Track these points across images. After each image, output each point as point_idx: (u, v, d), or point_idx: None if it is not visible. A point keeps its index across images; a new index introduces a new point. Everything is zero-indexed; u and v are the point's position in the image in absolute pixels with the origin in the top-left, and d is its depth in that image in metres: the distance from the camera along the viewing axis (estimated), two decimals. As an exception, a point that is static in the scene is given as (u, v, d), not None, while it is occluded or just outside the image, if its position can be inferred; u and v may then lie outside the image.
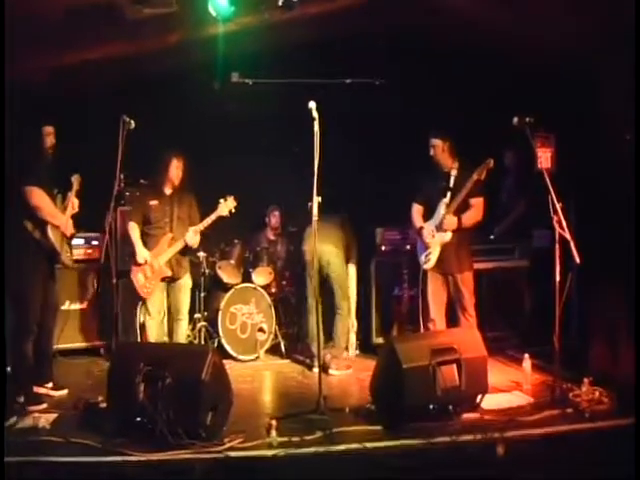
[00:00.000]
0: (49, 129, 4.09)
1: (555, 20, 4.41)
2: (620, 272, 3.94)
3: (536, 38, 4.78)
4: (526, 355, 4.09)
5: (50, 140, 4.10)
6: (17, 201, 3.82)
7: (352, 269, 5.12)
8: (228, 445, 3.10)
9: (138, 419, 3.18)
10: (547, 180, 3.77)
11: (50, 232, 3.95)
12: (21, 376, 3.89)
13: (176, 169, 4.49)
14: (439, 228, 4.32)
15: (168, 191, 4.55)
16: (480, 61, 5.23)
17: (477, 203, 4.33)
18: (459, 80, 5.40)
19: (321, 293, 4.11)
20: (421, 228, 4.46)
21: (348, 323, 4.95)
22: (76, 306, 5.31)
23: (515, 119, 3.87)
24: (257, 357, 5.18)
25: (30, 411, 3.69)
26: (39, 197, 3.86)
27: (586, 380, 3.71)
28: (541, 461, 3.05)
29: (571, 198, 4.01)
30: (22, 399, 3.81)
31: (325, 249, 4.69)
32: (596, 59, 4.47)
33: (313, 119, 3.70)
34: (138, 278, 4.44)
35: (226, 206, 4.50)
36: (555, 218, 3.76)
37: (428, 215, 4.46)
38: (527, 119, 3.84)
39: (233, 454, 3.04)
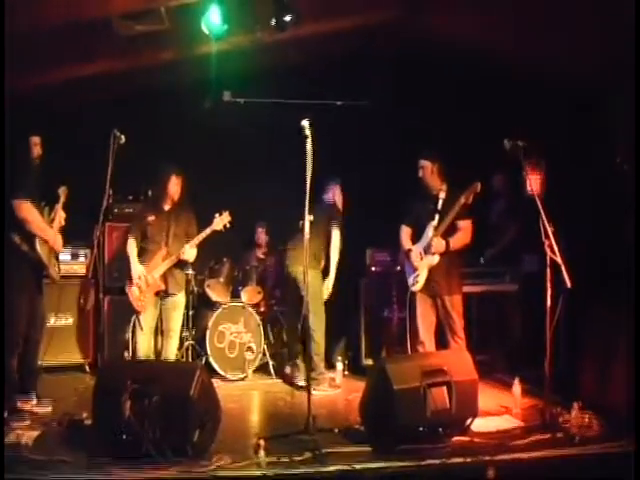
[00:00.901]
0: (36, 139, 4.03)
1: (552, 45, 4.49)
2: (611, 296, 3.97)
3: (531, 61, 4.86)
4: (516, 379, 4.08)
5: (37, 150, 4.04)
6: (4, 214, 3.77)
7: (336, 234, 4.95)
8: (216, 465, 3.04)
9: (124, 437, 3.12)
10: (538, 204, 3.80)
11: (38, 246, 3.90)
12: (5, 391, 3.81)
13: (175, 185, 4.52)
14: (427, 251, 4.33)
15: (167, 207, 4.57)
16: (472, 83, 5.32)
17: (465, 226, 4.35)
18: (450, 102, 5.47)
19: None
20: (409, 250, 4.47)
21: (322, 342, 4.84)
22: (61, 322, 5.25)
23: (506, 142, 3.91)
24: (245, 376, 5.14)
25: (13, 427, 3.60)
26: (28, 210, 3.82)
27: (576, 405, 3.70)
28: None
29: (561, 222, 4.05)
30: (5, 414, 3.73)
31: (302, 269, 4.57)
32: (593, 85, 4.55)
33: (305, 137, 3.72)
34: (133, 291, 4.43)
35: (221, 220, 4.52)
36: (546, 242, 3.78)
37: (417, 237, 4.48)
38: (519, 143, 3.89)
39: (221, 473, 2.98)
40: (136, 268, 4.43)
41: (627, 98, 3.61)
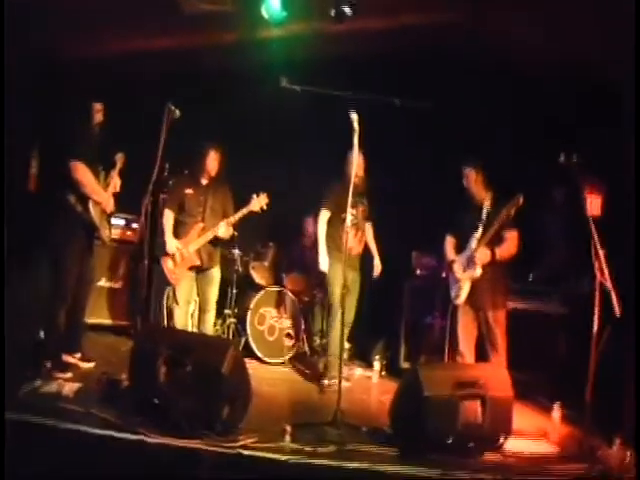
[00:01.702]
0: (98, 106, 4.13)
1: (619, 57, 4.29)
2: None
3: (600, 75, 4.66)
4: (556, 404, 3.94)
5: (99, 117, 4.14)
6: (62, 174, 3.90)
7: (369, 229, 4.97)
8: (242, 443, 3.07)
9: (156, 401, 3.19)
10: (592, 225, 3.65)
11: (91, 207, 4.02)
12: (51, 342, 3.97)
13: (213, 160, 4.55)
14: (470, 263, 4.21)
15: (204, 181, 4.61)
16: (527, 91, 5.13)
17: (511, 236, 4.20)
18: (502, 110, 5.31)
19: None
20: (452, 262, 4.37)
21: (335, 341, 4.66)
22: (111, 284, 5.42)
23: (562, 156, 3.75)
24: (282, 362, 5.17)
25: (56, 377, 3.75)
26: (83, 172, 3.94)
27: (618, 440, 3.54)
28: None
29: (618, 250, 3.88)
30: (49, 365, 3.88)
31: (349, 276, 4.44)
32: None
33: (354, 130, 3.68)
34: (167, 264, 4.50)
35: (258, 202, 4.54)
36: (597, 265, 3.63)
37: (462, 247, 4.37)
38: (574, 158, 3.73)
39: (245, 452, 3.00)
40: (171, 241, 4.48)
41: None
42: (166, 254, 4.50)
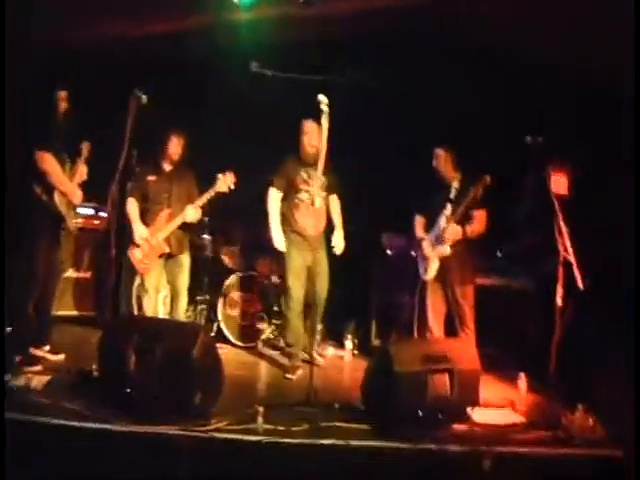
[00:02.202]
0: (63, 94, 4.06)
1: (589, 42, 4.37)
2: (625, 302, 3.90)
3: (566, 58, 4.74)
4: (522, 374, 4.06)
5: (63, 105, 4.07)
6: (28, 164, 3.86)
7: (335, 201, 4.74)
8: (214, 426, 3.09)
9: (128, 390, 3.19)
10: (556, 204, 3.75)
11: (57, 197, 3.98)
12: (20, 336, 3.92)
13: (175, 146, 4.48)
14: (438, 240, 4.29)
15: (168, 167, 4.54)
16: (502, 75, 5.19)
17: (479, 215, 4.30)
18: (471, 92, 5.35)
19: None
20: (422, 239, 4.45)
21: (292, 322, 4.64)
22: (78, 274, 5.36)
23: (528, 138, 3.84)
24: (255, 345, 5.19)
25: (24, 371, 3.71)
26: (49, 162, 3.89)
27: (580, 406, 3.67)
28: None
29: (585, 228, 3.99)
30: (18, 359, 3.84)
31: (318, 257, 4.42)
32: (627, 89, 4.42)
33: (322, 112, 3.69)
34: (135, 254, 4.44)
35: (224, 182, 4.45)
36: (560, 241, 3.74)
37: (430, 226, 4.45)
38: (540, 139, 3.81)
39: (218, 435, 3.03)
40: (139, 230, 4.42)
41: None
42: (134, 243, 4.44)
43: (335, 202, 4.70)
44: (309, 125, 4.36)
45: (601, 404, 3.77)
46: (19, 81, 4.28)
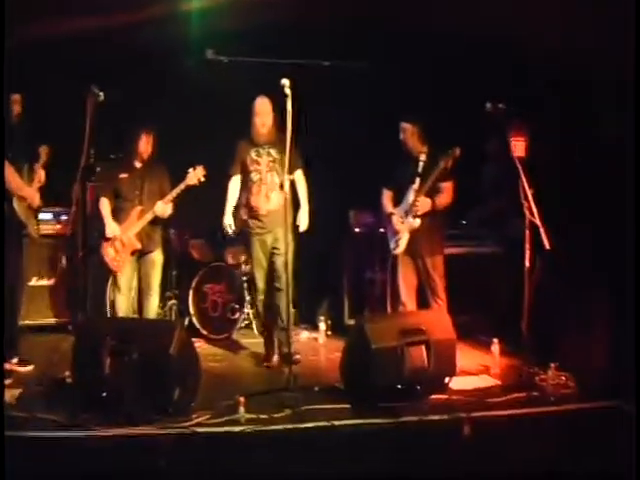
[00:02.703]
0: (16, 97, 3.96)
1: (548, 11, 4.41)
2: (593, 260, 4.02)
3: (521, 25, 4.78)
4: (495, 339, 4.15)
5: (17, 109, 3.97)
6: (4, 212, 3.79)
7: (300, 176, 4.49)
8: (196, 421, 3.09)
9: (104, 394, 3.14)
10: (519, 167, 3.81)
11: (16, 204, 3.89)
12: None
13: (145, 144, 4.42)
14: (408, 213, 4.32)
15: (138, 164, 4.48)
16: (458, 44, 5.22)
17: (447, 187, 4.34)
18: (436, 62, 5.39)
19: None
20: (391, 214, 4.46)
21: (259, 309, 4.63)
22: (44, 282, 5.24)
23: (488, 105, 3.88)
24: (228, 336, 5.17)
25: None
26: (6, 169, 3.78)
27: (552, 365, 3.76)
28: (506, 442, 3.10)
29: (545, 187, 4.06)
30: None
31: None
32: (582, 55, 4.50)
33: (285, 96, 3.65)
34: (108, 252, 4.37)
35: (195, 175, 4.40)
36: (525, 204, 3.81)
37: (398, 200, 4.46)
38: (500, 105, 3.86)
39: (200, 430, 3.02)
40: (111, 227, 4.36)
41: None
42: (106, 241, 4.37)
43: (300, 179, 4.49)
44: (260, 104, 4.26)
45: (572, 360, 3.89)
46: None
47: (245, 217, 4.47)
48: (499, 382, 3.87)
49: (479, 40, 5.10)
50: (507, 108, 3.90)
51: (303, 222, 4.39)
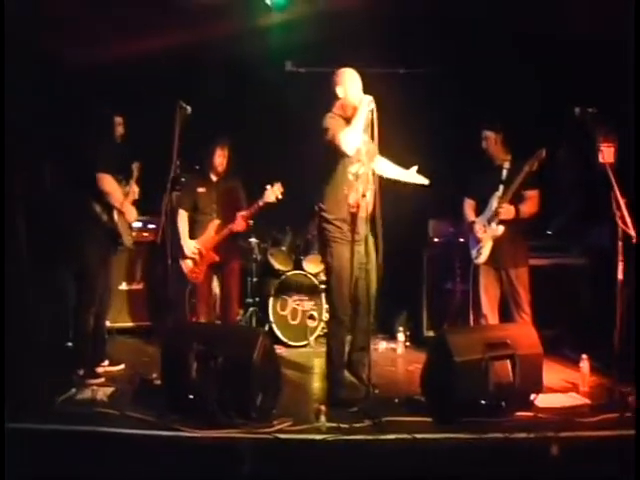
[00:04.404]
0: (119, 119, 4.26)
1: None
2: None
3: (603, 29, 4.59)
4: (584, 356, 3.95)
5: (120, 130, 4.27)
6: (88, 185, 4.04)
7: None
8: (277, 427, 3.13)
9: (190, 397, 3.24)
10: (610, 175, 3.63)
11: (116, 216, 4.17)
12: (82, 350, 4.07)
13: (219, 157, 4.60)
14: (490, 222, 4.23)
15: (214, 178, 4.66)
16: (538, 50, 5.07)
17: (532, 195, 4.23)
18: (515, 70, 5.25)
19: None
20: (472, 222, 4.38)
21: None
22: (133, 287, 5.49)
23: (577, 110, 3.75)
24: (307, 344, 5.22)
25: (89, 384, 3.82)
26: (110, 184, 4.08)
27: (648, 385, 3.56)
28: (595, 465, 2.95)
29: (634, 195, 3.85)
30: (82, 372, 3.98)
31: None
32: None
33: (371, 111, 3.61)
34: (187, 264, 4.56)
35: (273, 192, 4.52)
36: (618, 214, 3.62)
37: (480, 209, 4.38)
38: (589, 110, 3.71)
39: (282, 436, 3.06)
40: (187, 245, 4.55)
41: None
42: (183, 255, 4.56)
43: (380, 161, 3.92)
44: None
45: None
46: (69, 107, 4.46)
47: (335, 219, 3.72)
48: (588, 401, 3.69)
49: (565, 42, 4.93)
50: (597, 113, 3.74)
51: (420, 178, 4.00)
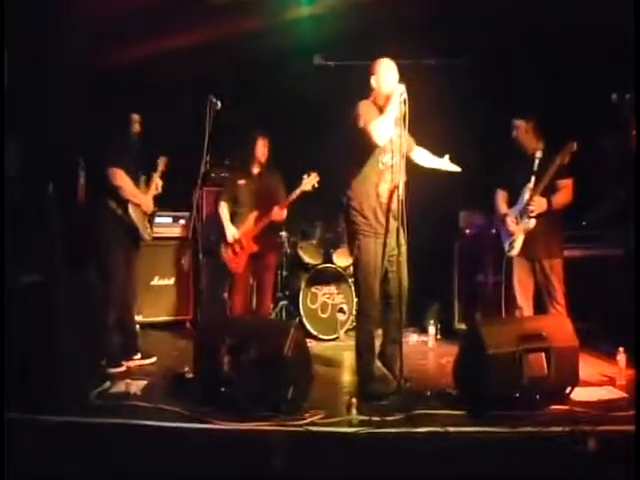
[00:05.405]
0: (135, 117, 4.29)
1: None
2: None
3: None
4: (621, 349, 3.86)
5: (136, 127, 4.29)
6: (103, 181, 4.11)
7: None
8: (309, 420, 3.13)
9: (223, 389, 3.27)
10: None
11: (131, 210, 4.19)
12: (104, 343, 4.12)
13: (262, 147, 4.64)
14: (523, 214, 4.14)
15: (255, 170, 4.70)
16: (573, 35, 4.94)
17: (566, 185, 4.12)
18: (545, 58, 5.13)
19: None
20: (505, 215, 4.29)
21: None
22: (164, 282, 5.56)
23: (614, 96, 3.64)
24: (337, 337, 5.22)
25: (114, 374, 3.92)
26: (121, 178, 4.12)
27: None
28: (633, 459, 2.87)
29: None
30: (104, 362, 4.04)
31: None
32: None
33: (403, 103, 3.55)
34: (228, 253, 4.63)
35: (309, 182, 4.58)
36: (656, 204, 3.52)
37: (512, 200, 4.29)
38: (627, 96, 3.60)
39: (314, 429, 3.06)
40: (230, 230, 4.63)
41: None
42: (226, 243, 4.62)
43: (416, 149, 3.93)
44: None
45: None
46: (92, 104, 4.52)
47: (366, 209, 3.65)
48: (625, 395, 3.60)
49: (600, 26, 4.80)
50: (635, 99, 3.62)
51: (453, 165, 3.95)
